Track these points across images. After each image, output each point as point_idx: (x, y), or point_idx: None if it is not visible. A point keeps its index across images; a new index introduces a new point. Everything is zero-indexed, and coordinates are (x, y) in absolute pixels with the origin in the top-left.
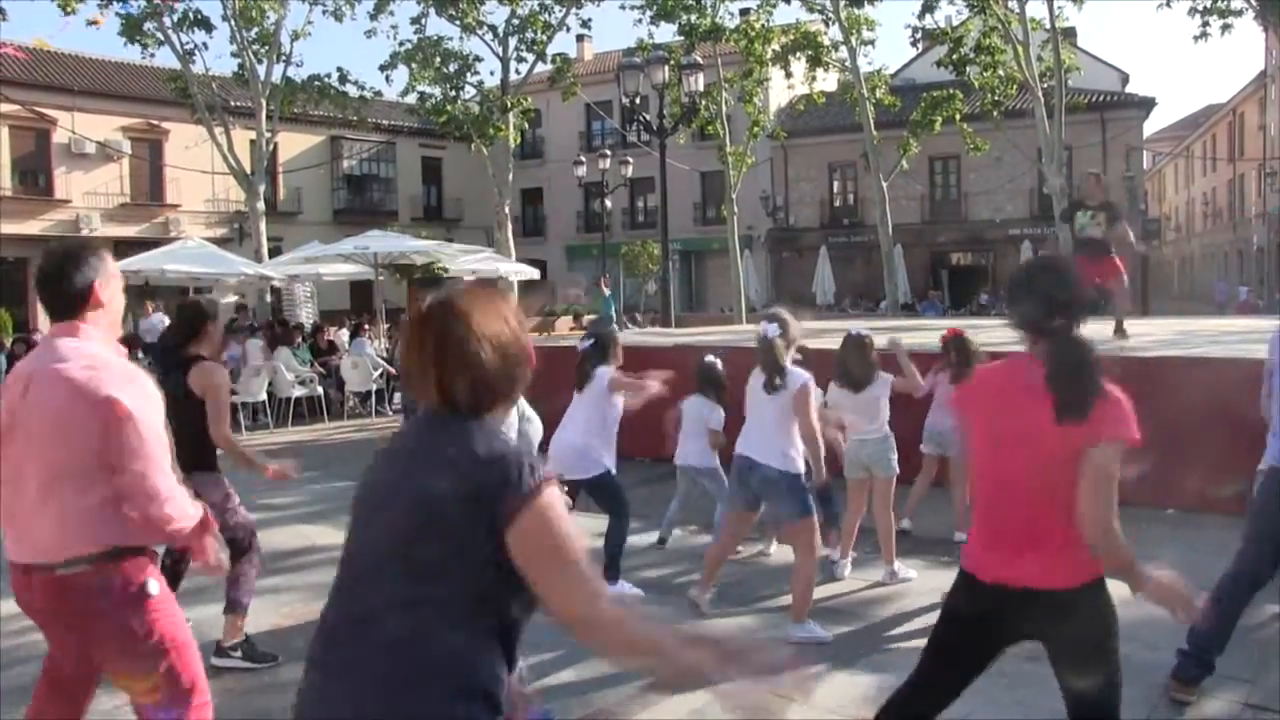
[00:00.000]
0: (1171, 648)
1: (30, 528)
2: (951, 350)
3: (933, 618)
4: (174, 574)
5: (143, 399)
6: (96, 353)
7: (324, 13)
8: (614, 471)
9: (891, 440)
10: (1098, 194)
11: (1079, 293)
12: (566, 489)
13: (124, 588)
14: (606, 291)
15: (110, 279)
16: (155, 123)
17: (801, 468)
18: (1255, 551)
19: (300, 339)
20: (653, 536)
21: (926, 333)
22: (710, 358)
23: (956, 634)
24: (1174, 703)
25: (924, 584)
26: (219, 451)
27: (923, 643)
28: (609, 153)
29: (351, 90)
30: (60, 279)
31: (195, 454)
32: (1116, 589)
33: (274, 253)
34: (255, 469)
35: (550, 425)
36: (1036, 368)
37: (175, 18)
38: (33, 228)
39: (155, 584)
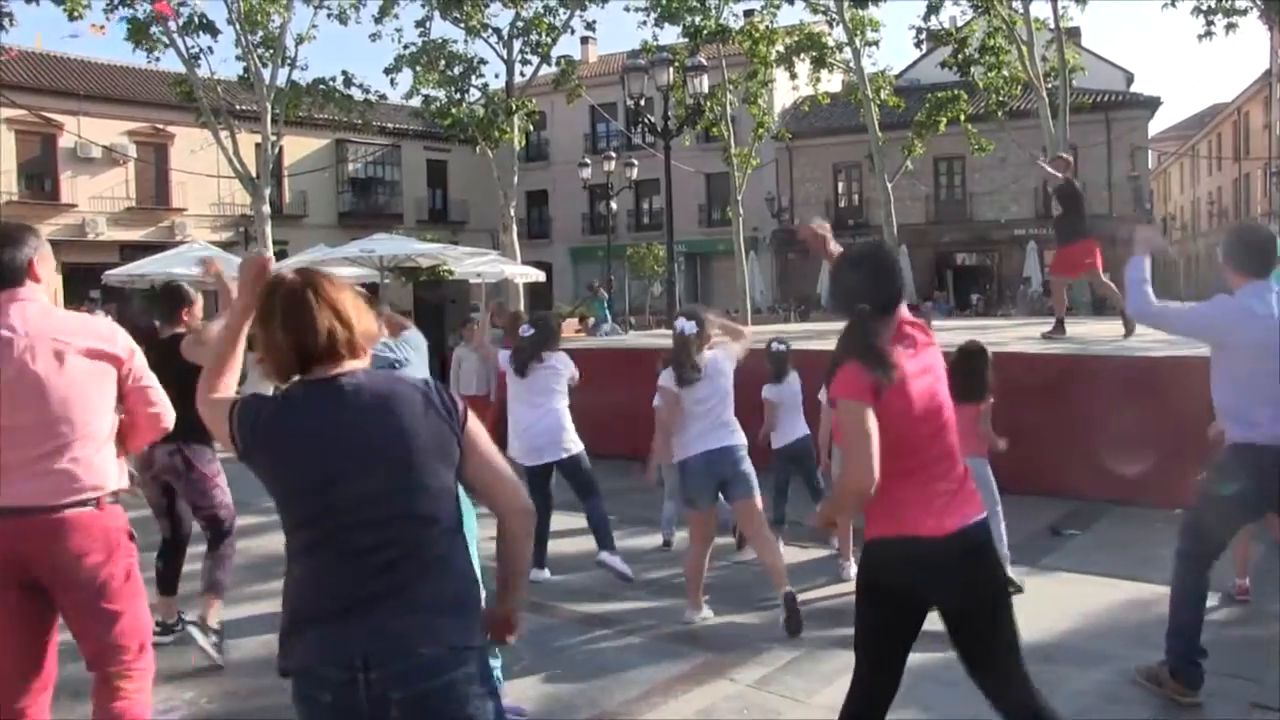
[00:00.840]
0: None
1: (27, 473)
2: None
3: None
4: (170, 575)
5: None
6: (56, 313)
7: (329, 16)
8: (577, 452)
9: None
10: (1055, 177)
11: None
12: (539, 472)
13: (115, 530)
14: (604, 296)
15: (45, 259)
16: (161, 127)
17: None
18: (1195, 532)
19: None
20: (656, 539)
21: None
22: (776, 344)
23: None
24: (1176, 705)
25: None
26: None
27: (927, 640)
28: (614, 155)
29: (356, 93)
30: (1, 256)
31: (195, 424)
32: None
33: (279, 256)
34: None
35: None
36: None
37: (180, 22)
38: (32, 225)
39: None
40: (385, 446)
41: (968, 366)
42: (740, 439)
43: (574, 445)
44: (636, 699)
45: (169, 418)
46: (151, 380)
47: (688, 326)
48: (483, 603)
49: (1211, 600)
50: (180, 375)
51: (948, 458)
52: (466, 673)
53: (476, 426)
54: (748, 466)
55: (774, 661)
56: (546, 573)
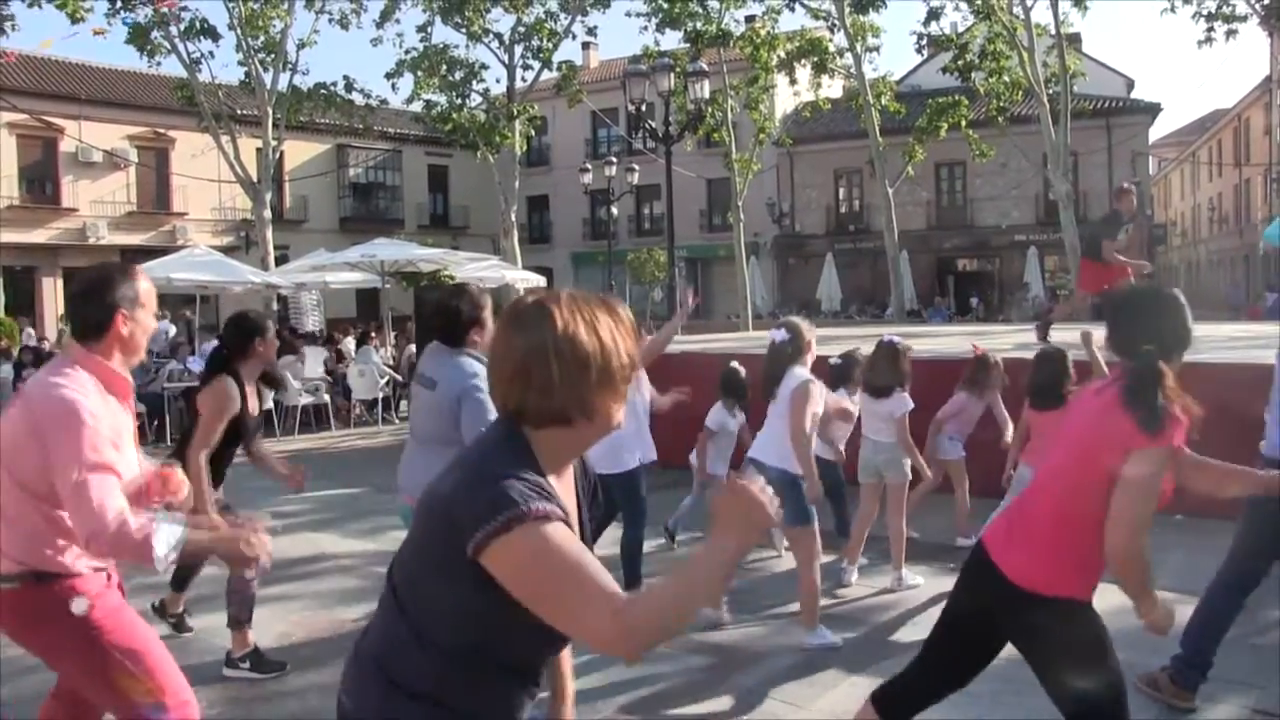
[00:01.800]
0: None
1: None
2: (975, 369)
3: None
4: (183, 573)
5: (87, 431)
6: (68, 387)
7: (330, 21)
8: (640, 468)
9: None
10: (1129, 207)
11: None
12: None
13: (47, 610)
14: None
15: (137, 307)
16: (162, 131)
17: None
18: (1244, 555)
19: (306, 348)
20: (660, 540)
21: (934, 339)
22: (734, 364)
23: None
24: (1175, 710)
25: (929, 589)
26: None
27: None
28: (615, 160)
29: (358, 98)
30: (85, 304)
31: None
32: (1116, 599)
33: (280, 261)
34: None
35: None
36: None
37: (182, 27)
38: (40, 236)
39: (82, 603)
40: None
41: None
42: (773, 459)
43: (623, 462)
44: (636, 704)
45: (95, 536)
46: (71, 482)
47: (778, 335)
48: None
49: None
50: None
51: None
52: None
53: (502, 557)
54: (785, 491)
55: (774, 667)
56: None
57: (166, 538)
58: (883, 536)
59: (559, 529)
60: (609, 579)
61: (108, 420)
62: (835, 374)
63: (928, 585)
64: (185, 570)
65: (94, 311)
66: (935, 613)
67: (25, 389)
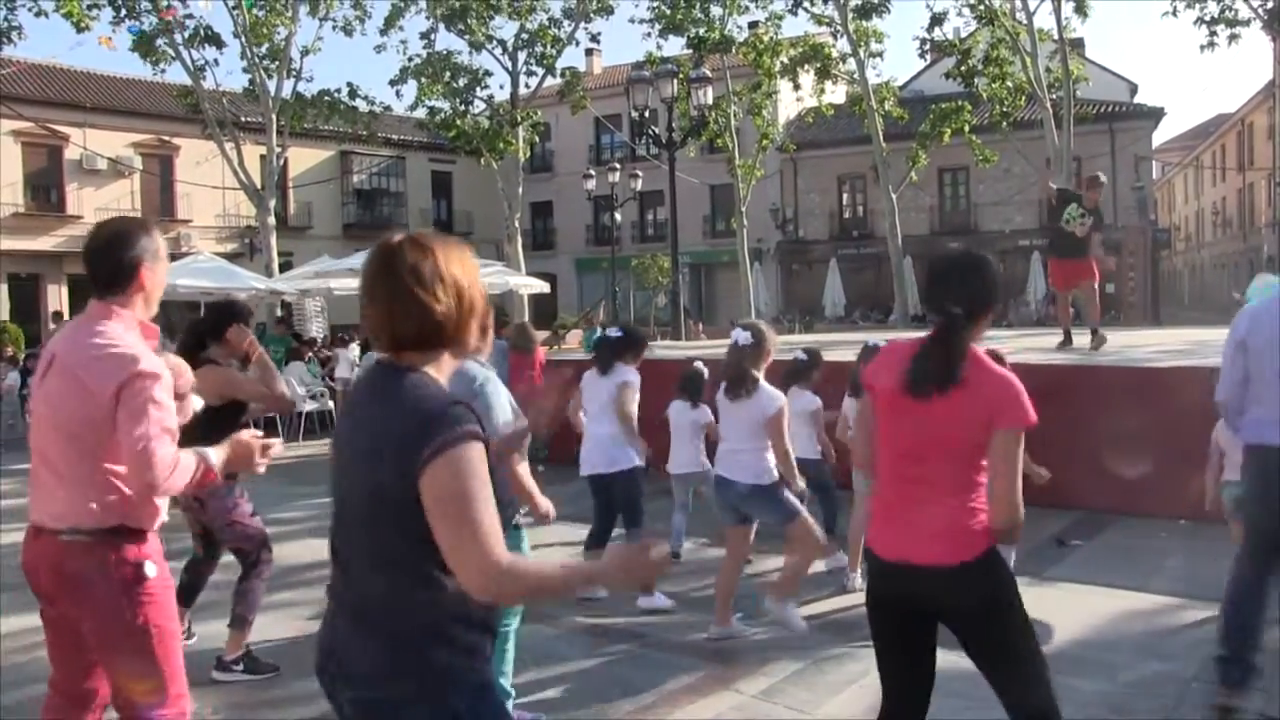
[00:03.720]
0: (1183, 658)
1: (48, 492)
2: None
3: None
4: (192, 587)
5: (148, 380)
6: (114, 336)
7: (334, 28)
8: (639, 469)
9: None
10: (1094, 199)
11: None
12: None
13: (119, 565)
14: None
15: (157, 260)
16: (166, 138)
17: (775, 476)
18: (1253, 542)
19: (311, 354)
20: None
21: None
22: (698, 364)
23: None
24: (1222, 710)
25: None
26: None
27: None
28: (618, 166)
29: (361, 105)
30: (106, 257)
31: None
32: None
33: (284, 267)
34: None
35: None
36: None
37: (186, 34)
38: (45, 243)
39: (153, 567)
40: (354, 458)
41: None
42: (739, 474)
43: (622, 461)
44: (640, 709)
45: (156, 483)
46: (143, 432)
47: (743, 336)
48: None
49: (1213, 610)
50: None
51: None
52: (407, 700)
53: (434, 480)
54: (762, 500)
55: (779, 673)
56: (658, 597)
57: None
58: None
59: (481, 450)
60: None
61: (158, 366)
62: (789, 373)
63: None
64: (191, 584)
65: (117, 264)
66: None
67: (62, 351)
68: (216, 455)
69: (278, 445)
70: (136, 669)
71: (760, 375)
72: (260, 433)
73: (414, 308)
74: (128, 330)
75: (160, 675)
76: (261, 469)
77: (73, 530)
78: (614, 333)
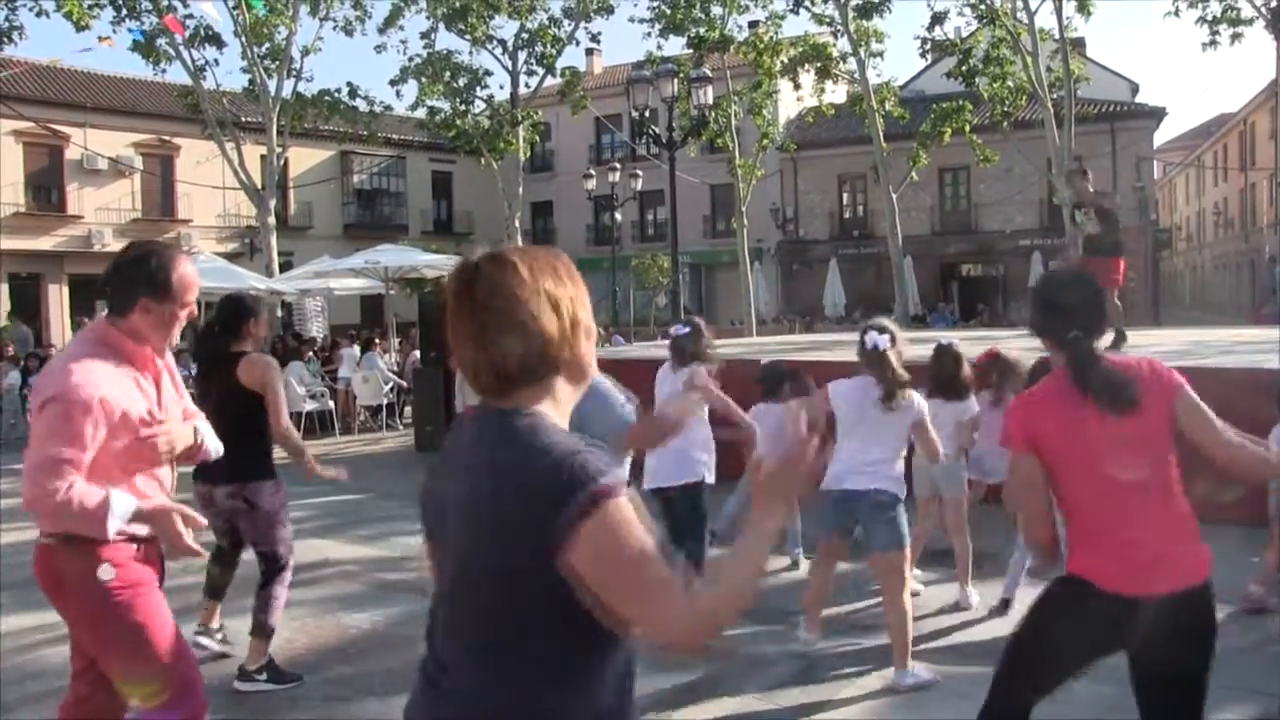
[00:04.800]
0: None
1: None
2: (994, 373)
3: (950, 629)
4: (221, 580)
5: (67, 404)
6: (76, 353)
7: (334, 28)
8: (709, 482)
9: (963, 458)
10: (1081, 188)
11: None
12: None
13: (78, 569)
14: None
15: (170, 292)
16: (166, 138)
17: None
18: None
19: (311, 353)
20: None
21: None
22: (770, 360)
23: (1079, 646)
24: None
25: (939, 596)
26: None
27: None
28: (619, 166)
29: (362, 105)
30: (118, 279)
31: (254, 458)
32: None
33: (285, 267)
34: (304, 463)
35: None
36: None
37: (187, 35)
38: (46, 243)
39: (109, 569)
40: (464, 533)
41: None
42: (881, 483)
43: (691, 473)
44: (641, 711)
45: (35, 501)
46: (34, 450)
47: (881, 340)
48: None
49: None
50: (235, 401)
51: None
52: None
53: (590, 549)
54: (891, 514)
55: (780, 675)
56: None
57: (119, 508)
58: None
59: (627, 496)
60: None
61: (116, 392)
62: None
63: (934, 597)
64: (221, 577)
65: (120, 291)
66: (939, 620)
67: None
68: (125, 506)
69: (199, 523)
70: (130, 671)
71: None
72: (185, 509)
73: (509, 335)
74: (98, 351)
75: (158, 677)
76: (183, 543)
77: (49, 535)
78: (681, 330)
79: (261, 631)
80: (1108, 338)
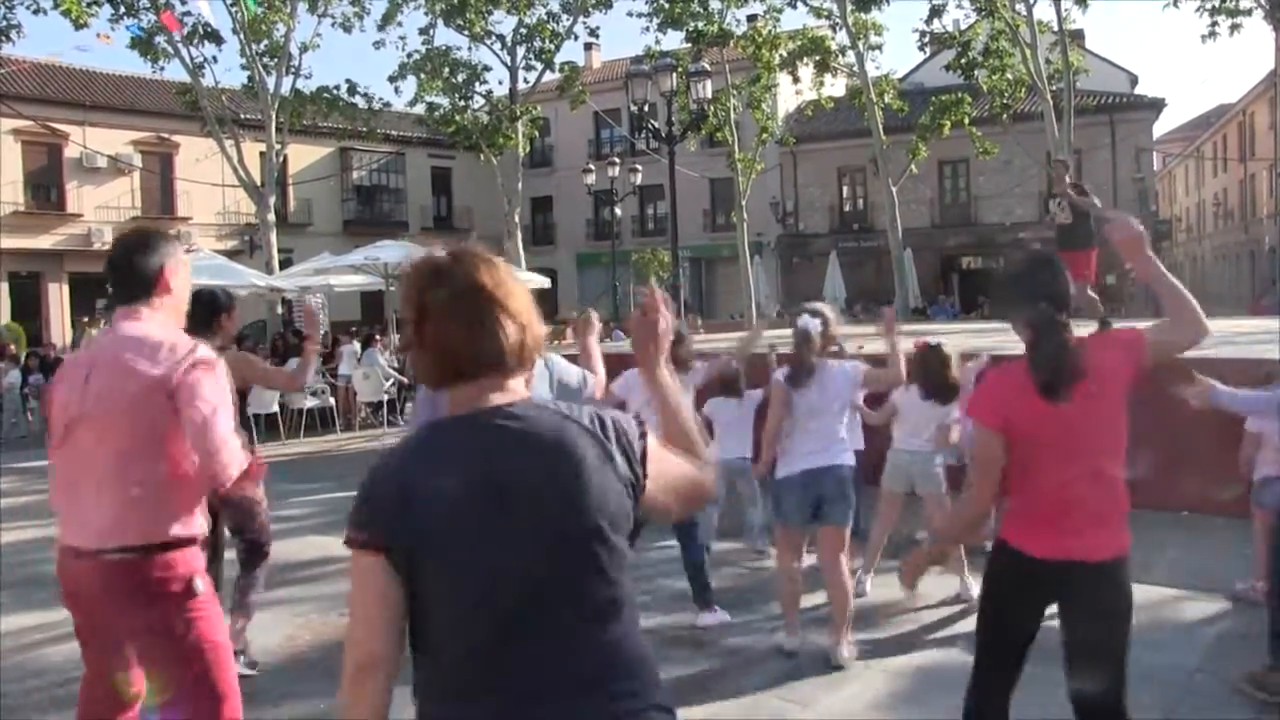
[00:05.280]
0: (1185, 650)
1: (88, 513)
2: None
3: (950, 621)
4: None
5: (203, 368)
6: (154, 334)
7: (333, 25)
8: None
9: (940, 454)
10: (1059, 180)
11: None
12: None
13: (168, 582)
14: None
15: (180, 265)
16: (166, 136)
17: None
18: None
19: None
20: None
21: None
22: (735, 363)
23: (1014, 614)
24: (1190, 707)
25: (941, 590)
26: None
27: (933, 648)
28: (618, 160)
29: (360, 101)
30: (130, 263)
31: None
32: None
33: (285, 264)
34: (307, 359)
35: None
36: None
37: (185, 32)
38: (45, 242)
39: (201, 582)
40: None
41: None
42: (842, 458)
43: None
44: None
45: (225, 470)
46: (206, 417)
47: (812, 324)
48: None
49: (1224, 603)
50: None
51: None
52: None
53: (655, 446)
54: (850, 490)
55: (780, 667)
56: (718, 614)
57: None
58: (891, 536)
59: None
60: None
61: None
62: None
63: (938, 585)
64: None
65: (143, 270)
66: (941, 613)
67: (105, 358)
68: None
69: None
70: (189, 687)
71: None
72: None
73: (506, 324)
74: (167, 325)
75: (216, 694)
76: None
77: (120, 549)
78: None
79: (244, 610)
80: (1091, 328)
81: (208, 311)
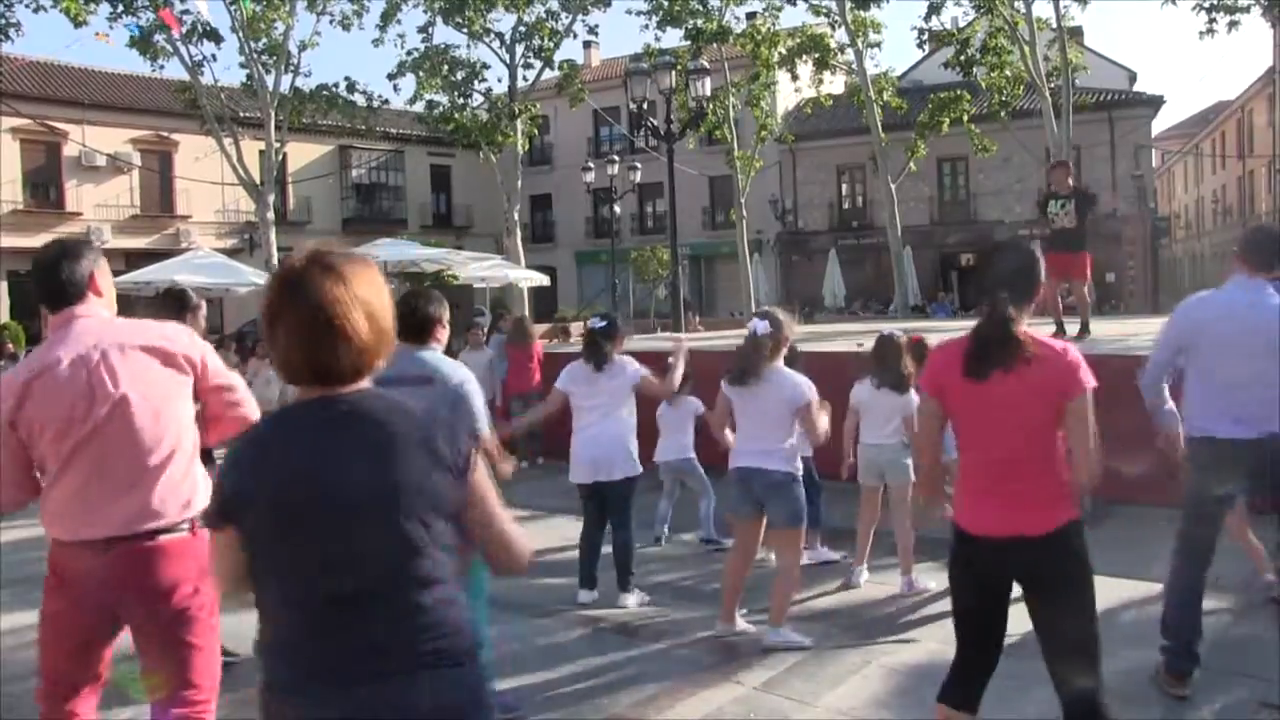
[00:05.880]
0: None
1: (115, 501)
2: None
3: (947, 618)
4: None
5: (198, 339)
6: (133, 323)
7: (331, 23)
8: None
9: (908, 446)
10: (1065, 183)
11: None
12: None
13: (200, 559)
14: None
15: (104, 269)
16: (165, 134)
17: (800, 469)
18: (1190, 527)
19: None
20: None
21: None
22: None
23: (968, 593)
24: (1171, 698)
25: (938, 584)
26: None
27: (933, 643)
28: (617, 158)
29: (359, 99)
30: (60, 272)
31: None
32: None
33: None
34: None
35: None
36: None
37: (184, 31)
38: (44, 240)
39: None
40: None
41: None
42: (772, 462)
43: (633, 469)
44: (642, 702)
45: (254, 412)
46: (227, 378)
47: (760, 326)
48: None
49: (1224, 600)
50: None
51: None
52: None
53: (481, 478)
54: (789, 492)
55: (779, 664)
56: (635, 597)
57: None
58: (888, 532)
59: None
60: None
61: None
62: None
63: (932, 583)
64: None
65: (71, 277)
66: (943, 608)
67: (109, 345)
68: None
69: None
70: (199, 666)
71: (779, 363)
72: None
73: (331, 338)
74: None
75: (214, 673)
76: None
77: (170, 528)
78: (598, 322)
79: None
80: (1073, 329)
81: (177, 307)
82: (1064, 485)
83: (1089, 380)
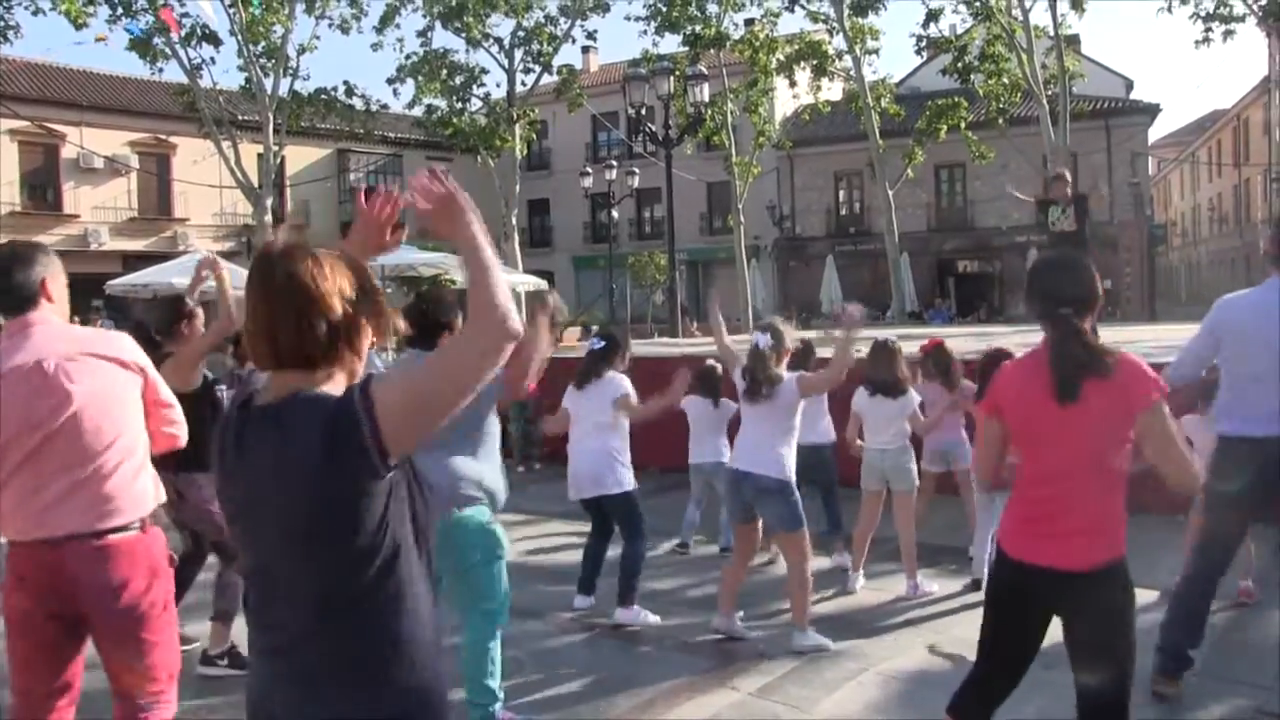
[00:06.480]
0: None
1: (69, 502)
2: (931, 363)
3: (943, 624)
4: (181, 583)
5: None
6: (88, 331)
7: (330, 26)
8: (634, 491)
9: (911, 451)
10: (1065, 195)
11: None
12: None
13: (158, 555)
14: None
15: (58, 275)
16: (163, 137)
17: (793, 476)
18: (1214, 526)
19: None
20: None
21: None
22: (711, 362)
23: (1008, 617)
24: (1158, 696)
25: (937, 590)
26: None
27: (929, 650)
28: (615, 163)
29: (358, 103)
30: (12, 277)
31: (183, 452)
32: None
33: None
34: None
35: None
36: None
37: (183, 33)
38: (42, 242)
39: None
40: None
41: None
42: (762, 468)
43: (622, 483)
44: (639, 707)
45: (183, 436)
46: (169, 395)
47: (763, 339)
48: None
49: (1222, 606)
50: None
51: None
52: None
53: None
54: (780, 498)
55: (776, 670)
56: (629, 614)
57: None
58: (885, 539)
59: None
60: None
61: None
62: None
63: (932, 588)
64: (181, 581)
65: (24, 284)
66: (939, 614)
67: (57, 354)
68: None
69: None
70: (156, 660)
71: (783, 374)
72: None
73: (298, 322)
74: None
75: (171, 664)
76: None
77: (122, 527)
78: (597, 343)
79: (222, 618)
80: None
81: (168, 318)
82: (1120, 519)
83: (1161, 382)
